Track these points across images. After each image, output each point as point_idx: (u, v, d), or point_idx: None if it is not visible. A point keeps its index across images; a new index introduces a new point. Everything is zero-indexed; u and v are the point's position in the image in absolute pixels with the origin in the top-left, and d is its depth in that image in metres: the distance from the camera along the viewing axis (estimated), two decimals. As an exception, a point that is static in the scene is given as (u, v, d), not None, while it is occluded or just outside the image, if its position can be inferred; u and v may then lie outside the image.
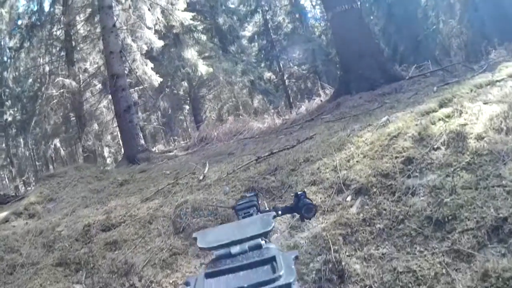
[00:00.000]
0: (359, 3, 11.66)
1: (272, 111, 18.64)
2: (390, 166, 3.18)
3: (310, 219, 1.36)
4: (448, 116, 3.61)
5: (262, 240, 0.84)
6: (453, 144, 3.14)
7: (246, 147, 6.17)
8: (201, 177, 3.80)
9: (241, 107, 19.28)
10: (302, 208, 1.32)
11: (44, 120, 17.82)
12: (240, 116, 14.88)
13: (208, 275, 0.74)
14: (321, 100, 13.07)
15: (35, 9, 18.62)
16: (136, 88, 16.42)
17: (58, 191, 5.56)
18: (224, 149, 6.93)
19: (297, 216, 1.40)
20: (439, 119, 3.59)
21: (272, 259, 0.73)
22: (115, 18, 13.43)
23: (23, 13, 18.85)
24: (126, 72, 13.55)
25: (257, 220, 1.00)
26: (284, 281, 0.67)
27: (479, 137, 3.12)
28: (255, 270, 0.73)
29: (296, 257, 0.76)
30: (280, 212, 1.32)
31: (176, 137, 18.60)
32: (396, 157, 3.26)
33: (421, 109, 4.27)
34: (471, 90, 4.63)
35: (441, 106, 4.17)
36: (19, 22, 19.22)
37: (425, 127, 3.50)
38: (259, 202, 1.33)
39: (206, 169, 4.18)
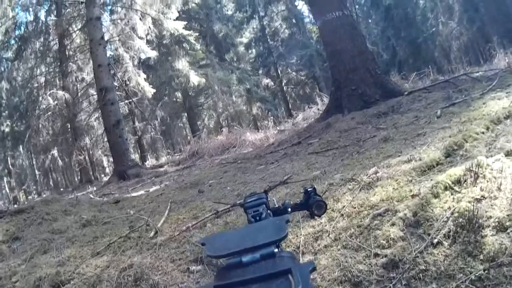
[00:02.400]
0: (352, 9, 11.12)
1: (272, 118, 18.34)
2: (366, 269, 2.25)
3: (320, 216, 1.34)
4: (458, 182, 2.63)
5: (275, 247, 0.79)
6: (461, 238, 2.16)
7: (223, 177, 5.80)
8: (152, 234, 3.45)
9: (239, 116, 18.92)
10: (312, 205, 1.30)
11: (38, 131, 17.66)
12: (235, 128, 14.57)
13: None
14: (318, 109, 12.77)
15: (31, 19, 18.47)
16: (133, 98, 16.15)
17: (24, 229, 5.33)
18: (203, 176, 6.53)
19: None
20: (445, 187, 2.62)
21: (288, 271, 0.68)
22: (104, 30, 13.12)
23: (18, 23, 18.64)
24: (116, 85, 13.26)
25: (269, 225, 0.96)
26: None
27: (500, 227, 2.15)
28: (269, 284, 0.68)
29: (314, 269, 0.72)
30: (290, 210, 1.29)
31: (169, 150, 18.33)
32: (376, 255, 2.30)
33: (421, 158, 3.36)
34: (487, 128, 3.67)
35: (448, 156, 3.26)
36: (16, 33, 18.99)
37: (424, 203, 2.54)
38: (268, 199, 1.28)
39: (163, 219, 3.82)
